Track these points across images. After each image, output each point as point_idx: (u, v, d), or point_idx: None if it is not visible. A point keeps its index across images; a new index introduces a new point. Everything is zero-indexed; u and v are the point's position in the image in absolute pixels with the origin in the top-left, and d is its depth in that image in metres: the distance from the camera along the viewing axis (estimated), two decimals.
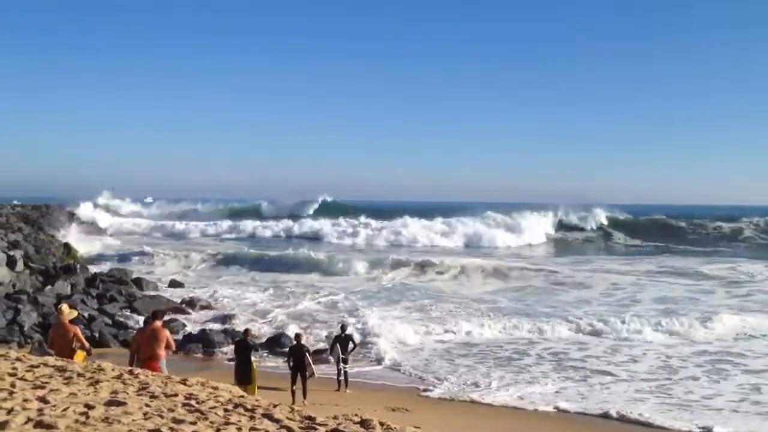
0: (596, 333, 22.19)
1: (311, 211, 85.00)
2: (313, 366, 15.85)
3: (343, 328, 17.98)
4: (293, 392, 15.17)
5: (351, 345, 17.34)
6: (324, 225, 67.53)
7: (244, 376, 14.67)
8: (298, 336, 16.67)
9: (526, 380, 17.26)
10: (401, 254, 45.15)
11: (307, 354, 15.71)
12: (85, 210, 76.74)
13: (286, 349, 17.34)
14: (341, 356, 16.72)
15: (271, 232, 68.28)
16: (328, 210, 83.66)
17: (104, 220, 74.63)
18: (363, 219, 70.43)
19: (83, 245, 46.58)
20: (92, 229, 63.33)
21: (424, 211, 72.72)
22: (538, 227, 64.94)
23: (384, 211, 79.02)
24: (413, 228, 64.04)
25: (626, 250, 59.22)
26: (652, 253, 53.56)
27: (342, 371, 16.71)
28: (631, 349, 20.23)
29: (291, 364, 15.68)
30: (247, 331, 16.27)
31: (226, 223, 72.47)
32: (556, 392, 16.26)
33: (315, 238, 63.47)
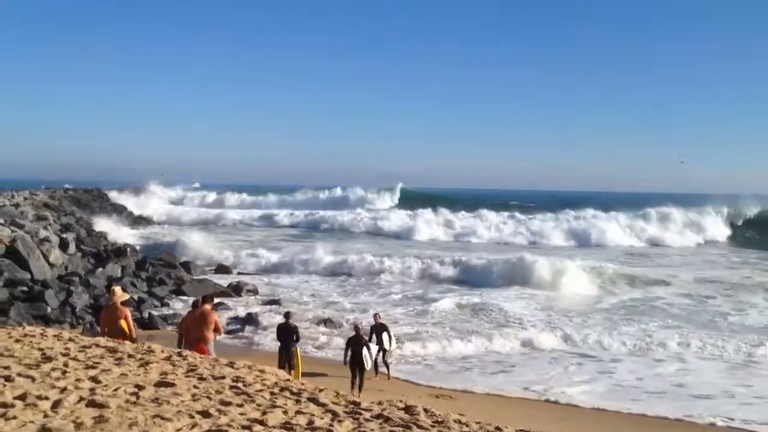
0: None
1: (396, 201, 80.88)
2: (370, 361, 15.40)
3: (375, 317, 17.44)
4: (353, 384, 14.73)
5: (385, 336, 16.77)
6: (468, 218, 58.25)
7: (287, 359, 14.72)
8: (356, 327, 15.96)
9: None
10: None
11: (366, 347, 15.19)
12: (128, 197, 76.83)
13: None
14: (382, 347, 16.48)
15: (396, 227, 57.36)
16: (408, 199, 79.46)
17: (148, 207, 74.04)
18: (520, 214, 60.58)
19: (116, 233, 45.63)
20: (132, 216, 63.17)
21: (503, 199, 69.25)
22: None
23: (465, 200, 75.41)
24: (603, 224, 54.42)
25: None
26: None
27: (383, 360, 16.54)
28: None
29: (349, 357, 15.17)
30: (288, 314, 15.91)
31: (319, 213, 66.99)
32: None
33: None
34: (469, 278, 31.31)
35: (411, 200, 77.41)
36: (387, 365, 16.65)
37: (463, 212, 61.01)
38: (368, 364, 15.24)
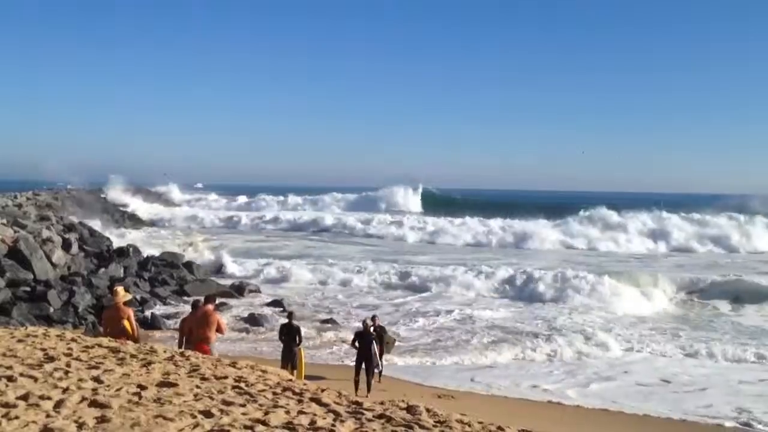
0: None
1: (419, 204, 76.74)
2: (378, 357, 15.19)
3: (374, 319, 16.75)
4: (356, 382, 14.55)
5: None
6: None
7: (290, 359, 14.68)
8: (365, 322, 15.74)
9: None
10: None
11: (374, 343, 15.02)
12: (121, 198, 74.17)
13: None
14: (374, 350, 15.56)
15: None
16: (429, 202, 75.74)
17: (142, 208, 71.17)
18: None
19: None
20: (127, 217, 61.57)
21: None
22: None
23: (486, 203, 71.97)
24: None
25: None
26: None
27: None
28: None
29: (356, 347, 15.02)
30: (291, 314, 15.93)
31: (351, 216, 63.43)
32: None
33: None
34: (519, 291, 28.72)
35: (433, 203, 74.49)
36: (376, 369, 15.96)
37: (516, 219, 56.26)
38: (375, 360, 15.14)
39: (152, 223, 62.30)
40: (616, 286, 27.72)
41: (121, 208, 67.30)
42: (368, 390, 14.36)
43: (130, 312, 11.89)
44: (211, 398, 6.65)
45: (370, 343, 15.00)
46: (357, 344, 15.12)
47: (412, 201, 78.74)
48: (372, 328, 15.67)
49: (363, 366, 14.85)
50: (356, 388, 14.19)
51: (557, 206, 68.77)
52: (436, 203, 74.44)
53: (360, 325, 16.08)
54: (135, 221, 60.21)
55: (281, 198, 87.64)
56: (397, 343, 17.92)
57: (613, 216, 55.09)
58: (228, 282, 28.86)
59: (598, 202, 59.75)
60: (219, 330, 12.03)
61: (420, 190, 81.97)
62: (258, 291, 27.62)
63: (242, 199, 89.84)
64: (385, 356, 16.28)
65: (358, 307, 25.16)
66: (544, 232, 50.70)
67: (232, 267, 33.43)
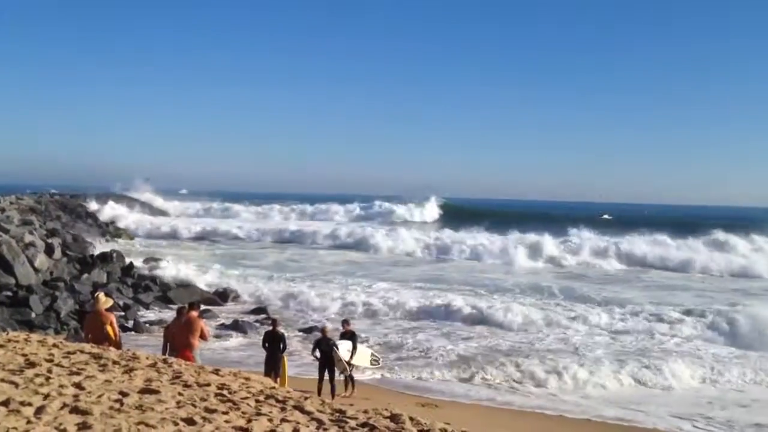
0: None
1: (436, 214, 73.20)
2: (344, 362, 15.17)
3: (345, 323, 16.59)
4: (319, 389, 14.46)
5: (349, 344, 15.65)
6: None
7: (273, 366, 14.61)
8: (323, 329, 15.77)
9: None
10: None
11: (335, 348, 15.06)
12: (102, 207, 66.76)
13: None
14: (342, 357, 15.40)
15: None
16: (449, 213, 71.71)
17: (123, 217, 64.57)
18: None
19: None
20: (107, 225, 57.29)
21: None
22: None
23: (516, 215, 67.61)
24: None
25: None
26: None
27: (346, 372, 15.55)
28: None
29: (317, 357, 15.08)
30: (275, 321, 15.76)
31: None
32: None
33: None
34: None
35: (453, 214, 70.18)
36: (349, 379, 15.74)
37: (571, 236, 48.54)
38: (341, 365, 15.13)
39: (134, 233, 58.72)
40: None
41: (98, 216, 63.73)
42: (332, 395, 14.23)
43: (113, 318, 11.84)
44: (194, 405, 6.62)
45: (331, 349, 15.02)
46: (318, 352, 15.13)
47: (429, 212, 75.48)
48: (339, 332, 15.70)
49: (327, 371, 14.93)
50: (319, 394, 13.76)
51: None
52: (458, 214, 69.92)
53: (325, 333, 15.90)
54: (116, 230, 57.22)
55: (292, 207, 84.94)
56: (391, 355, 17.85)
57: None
58: (212, 288, 28.66)
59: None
60: (202, 336, 12.00)
61: (434, 200, 78.20)
62: (242, 298, 27.50)
63: (259, 209, 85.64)
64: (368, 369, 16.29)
65: (346, 316, 24.40)
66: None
67: (215, 278, 31.63)
